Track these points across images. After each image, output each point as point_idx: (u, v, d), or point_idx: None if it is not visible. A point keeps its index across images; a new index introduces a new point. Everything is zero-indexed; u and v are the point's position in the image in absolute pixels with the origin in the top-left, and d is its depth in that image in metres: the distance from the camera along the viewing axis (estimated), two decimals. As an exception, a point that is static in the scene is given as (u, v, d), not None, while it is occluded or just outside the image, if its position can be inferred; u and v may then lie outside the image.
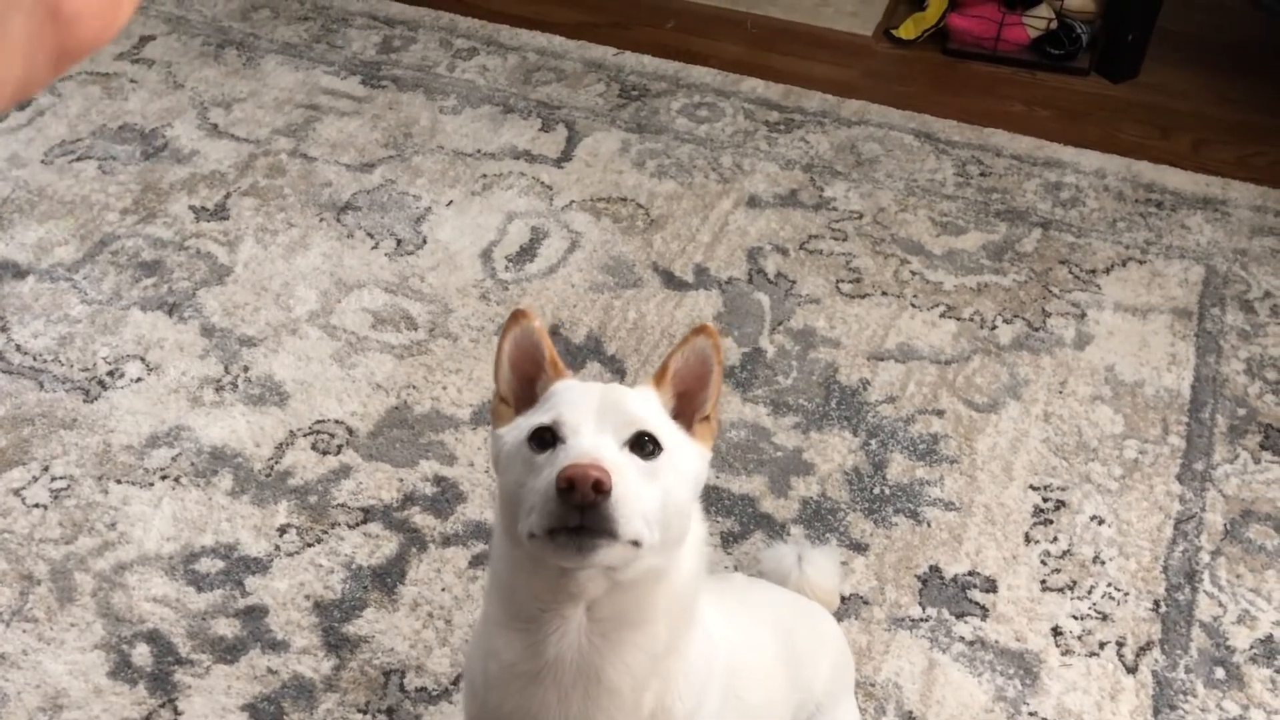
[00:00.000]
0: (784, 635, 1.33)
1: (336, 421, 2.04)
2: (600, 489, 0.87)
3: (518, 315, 1.07)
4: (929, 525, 1.90)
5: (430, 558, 1.83)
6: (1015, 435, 2.05)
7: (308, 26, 3.09)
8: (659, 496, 0.93)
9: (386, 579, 1.80)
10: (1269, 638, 1.77)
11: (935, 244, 2.45)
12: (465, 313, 2.25)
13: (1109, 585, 1.83)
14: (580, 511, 0.87)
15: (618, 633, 0.97)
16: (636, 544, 0.90)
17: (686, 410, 1.06)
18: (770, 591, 1.49)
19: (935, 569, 1.84)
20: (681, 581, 0.99)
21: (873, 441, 2.03)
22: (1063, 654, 1.74)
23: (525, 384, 1.06)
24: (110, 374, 2.11)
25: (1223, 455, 2.03)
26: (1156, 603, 1.81)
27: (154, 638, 1.72)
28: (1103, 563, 1.86)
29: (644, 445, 0.96)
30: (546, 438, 0.96)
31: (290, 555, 1.83)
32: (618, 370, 2.15)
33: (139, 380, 2.10)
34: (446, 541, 1.85)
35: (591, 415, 0.96)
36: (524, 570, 0.97)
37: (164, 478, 1.94)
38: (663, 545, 0.94)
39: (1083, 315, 2.29)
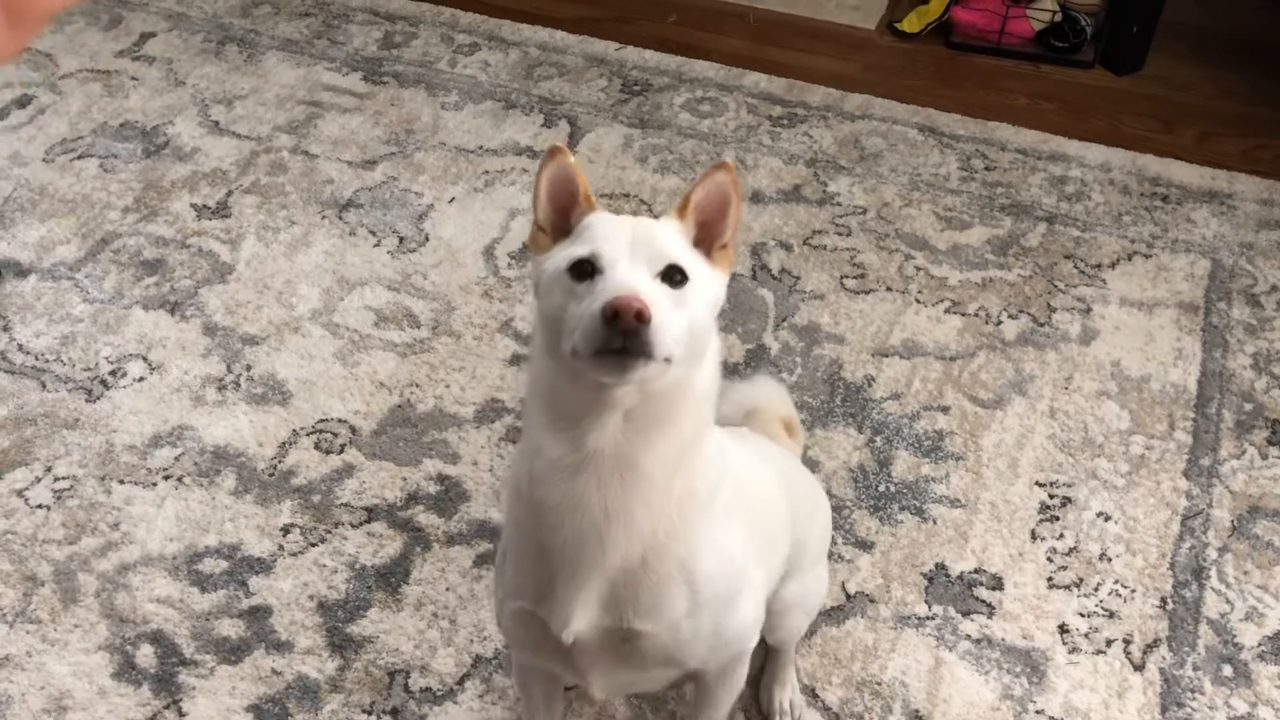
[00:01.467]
0: (788, 480, 1.49)
1: (339, 420, 2.03)
2: (641, 319, 0.98)
3: (554, 151, 1.15)
4: (935, 523, 1.90)
5: (434, 557, 1.82)
6: (1021, 431, 2.04)
7: (309, 23, 3.08)
8: (685, 320, 1.05)
9: (390, 579, 1.79)
10: (1277, 634, 1.76)
11: (940, 239, 2.43)
12: (468, 310, 2.25)
13: (1116, 582, 1.82)
14: (623, 336, 0.98)
15: (649, 429, 1.08)
16: (668, 360, 1.02)
17: (706, 239, 1.17)
18: (772, 446, 1.61)
19: (941, 567, 1.83)
20: (701, 387, 1.12)
21: (878, 438, 2.03)
22: (1070, 652, 1.73)
23: (560, 215, 1.16)
24: (112, 373, 2.11)
25: (1230, 451, 2.02)
26: (1164, 600, 1.80)
27: (158, 639, 1.71)
28: (1109, 560, 1.85)
29: (672, 276, 1.07)
30: (585, 269, 1.06)
31: (294, 555, 1.82)
32: (621, 367, 2.14)
33: (141, 380, 2.10)
34: (450, 541, 1.84)
35: (626, 248, 1.07)
36: (565, 380, 1.07)
37: (167, 477, 1.93)
38: (688, 360, 1.06)
39: (1088, 310, 2.28)
